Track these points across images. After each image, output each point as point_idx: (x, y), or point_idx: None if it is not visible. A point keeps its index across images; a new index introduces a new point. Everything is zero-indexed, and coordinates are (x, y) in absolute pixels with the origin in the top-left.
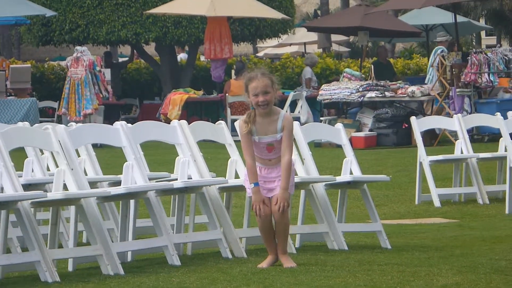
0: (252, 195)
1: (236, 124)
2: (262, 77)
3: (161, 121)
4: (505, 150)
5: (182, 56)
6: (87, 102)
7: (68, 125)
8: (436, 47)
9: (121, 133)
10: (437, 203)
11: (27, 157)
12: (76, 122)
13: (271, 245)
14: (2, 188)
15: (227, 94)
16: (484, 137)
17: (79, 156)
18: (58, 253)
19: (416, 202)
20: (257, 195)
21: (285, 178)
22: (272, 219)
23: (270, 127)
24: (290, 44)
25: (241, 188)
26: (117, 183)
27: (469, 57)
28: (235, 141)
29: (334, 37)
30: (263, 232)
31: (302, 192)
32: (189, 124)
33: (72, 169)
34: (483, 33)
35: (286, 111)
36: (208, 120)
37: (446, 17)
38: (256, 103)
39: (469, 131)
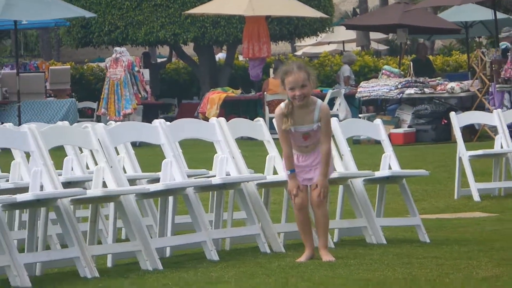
0: (288, 181)
1: (275, 121)
2: (298, 71)
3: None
4: None
5: (220, 56)
6: (127, 102)
7: (107, 124)
8: (500, 43)
9: (159, 131)
10: (476, 197)
11: (67, 156)
12: (116, 122)
13: (309, 239)
14: (42, 186)
15: (265, 93)
16: None
17: (118, 154)
18: (97, 249)
19: (456, 197)
20: (293, 181)
21: (325, 165)
22: (311, 212)
23: (307, 117)
24: (329, 43)
25: (280, 184)
26: (156, 180)
27: (509, 53)
28: (273, 138)
29: (373, 35)
30: (300, 224)
31: (341, 187)
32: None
33: (111, 167)
34: None
35: None
36: (246, 118)
37: (486, 13)
38: (293, 97)
39: (509, 127)
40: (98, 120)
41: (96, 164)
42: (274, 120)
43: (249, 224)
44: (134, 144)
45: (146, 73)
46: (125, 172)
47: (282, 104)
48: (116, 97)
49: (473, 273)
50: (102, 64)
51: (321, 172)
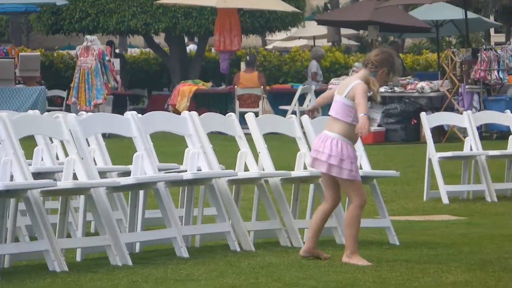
0: (366, 120)
1: (247, 115)
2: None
3: (169, 112)
4: None
5: (191, 47)
6: (98, 92)
7: (78, 114)
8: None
9: (131, 123)
10: (445, 200)
11: (37, 146)
12: (86, 111)
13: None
14: (12, 176)
15: (236, 86)
16: (492, 135)
17: (89, 145)
18: (67, 243)
19: (424, 199)
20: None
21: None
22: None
23: None
24: (299, 38)
25: (251, 181)
26: (127, 174)
27: (479, 54)
28: (245, 134)
29: (344, 31)
30: (359, 224)
31: (311, 186)
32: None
33: (82, 158)
34: (492, 30)
35: (295, 105)
36: (216, 112)
37: (457, 13)
38: (386, 82)
39: (478, 129)
40: (68, 109)
41: (66, 155)
42: (363, 92)
43: (219, 221)
44: (103, 135)
45: (116, 62)
46: (95, 164)
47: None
48: (87, 86)
49: (443, 277)
50: (72, 52)
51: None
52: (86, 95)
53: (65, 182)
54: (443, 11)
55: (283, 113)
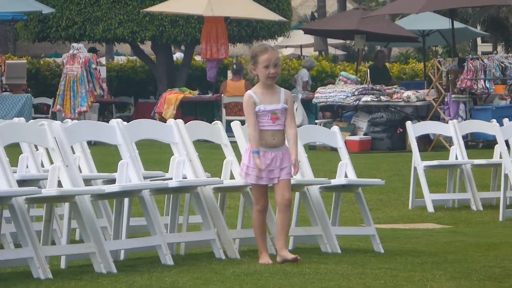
0: (255, 160)
1: (233, 124)
2: (273, 50)
3: (155, 120)
4: (500, 157)
5: (178, 55)
6: (82, 100)
7: (63, 122)
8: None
9: (117, 131)
10: (430, 208)
11: (22, 153)
12: (71, 119)
13: (266, 242)
14: None
15: (222, 95)
16: (478, 144)
17: (74, 153)
18: (51, 250)
19: (410, 207)
20: (257, 160)
21: (295, 148)
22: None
23: (273, 97)
24: (286, 46)
25: (236, 189)
26: (112, 181)
27: (466, 63)
28: (231, 141)
29: (330, 40)
30: (261, 227)
31: (297, 194)
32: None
33: (67, 166)
34: (479, 40)
35: None
36: (202, 120)
37: (444, 22)
38: (267, 75)
39: (464, 137)
40: (53, 116)
41: (51, 162)
42: (244, 106)
43: (205, 228)
44: (89, 143)
45: (103, 70)
46: (80, 171)
47: (249, 91)
48: (72, 94)
49: (427, 285)
50: (58, 60)
51: (294, 153)
52: (71, 102)
53: (49, 190)
54: (430, 21)
55: None
